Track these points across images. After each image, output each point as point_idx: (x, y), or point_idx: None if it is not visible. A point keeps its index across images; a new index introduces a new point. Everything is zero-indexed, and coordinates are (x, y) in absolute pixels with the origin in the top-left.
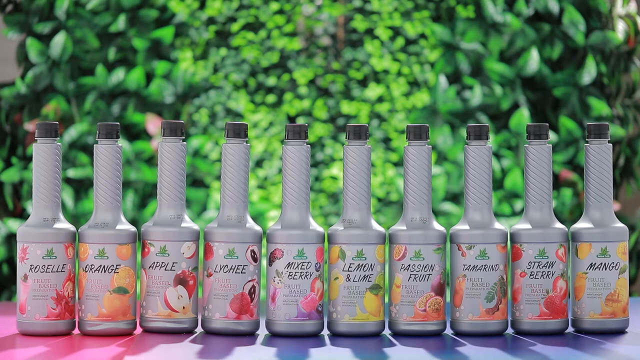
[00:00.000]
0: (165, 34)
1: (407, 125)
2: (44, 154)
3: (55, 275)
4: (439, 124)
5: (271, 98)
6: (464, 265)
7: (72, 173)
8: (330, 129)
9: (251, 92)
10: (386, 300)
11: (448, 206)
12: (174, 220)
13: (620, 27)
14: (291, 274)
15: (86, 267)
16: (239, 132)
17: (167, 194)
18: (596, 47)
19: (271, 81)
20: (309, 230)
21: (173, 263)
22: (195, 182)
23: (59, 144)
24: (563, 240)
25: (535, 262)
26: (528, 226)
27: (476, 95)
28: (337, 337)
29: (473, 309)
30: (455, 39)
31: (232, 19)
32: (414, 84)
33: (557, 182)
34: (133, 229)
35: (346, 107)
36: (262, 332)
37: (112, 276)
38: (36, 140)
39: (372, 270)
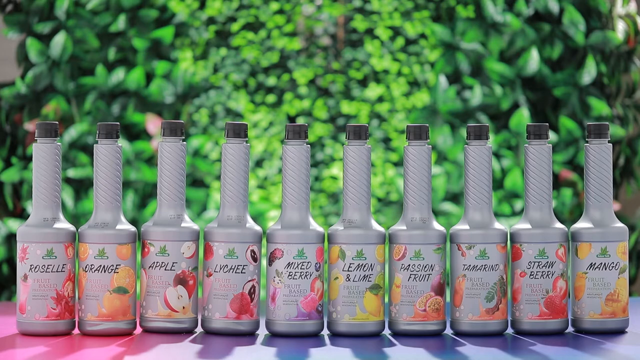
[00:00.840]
0: (165, 34)
1: (407, 125)
2: (44, 154)
3: (55, 275)
4: (439, 124)
5: (271, 98)
6: (464, 265)
7: (72, 173)
8: (330, 129)
9: (251, 92)
10: (386, 300)
11: (448, 206)
12: (174, 220)
13: (620, 27)
14: (291, 273)
15: (86, 267)
16: (239, 132)
17: (167, 194)
18: (596, 47)
19: (271, 81)
20: (309, 230)
21: (173, 263)
22: (195, 182)
23: (59, 144)
24: (563, 240)
25: (535, 262)
26: (528, 226)
27: (476, 95)
28: (337, 337)
29: (473, 309)
30: (455, 39)
31: (232, 19)
32: (414, 84)
33: (557, 182)
34: (133, 229)
35: (346, 107)
36: (262, 332)
37: (112, 276)
38: (36, 140)
39: (372, 270)
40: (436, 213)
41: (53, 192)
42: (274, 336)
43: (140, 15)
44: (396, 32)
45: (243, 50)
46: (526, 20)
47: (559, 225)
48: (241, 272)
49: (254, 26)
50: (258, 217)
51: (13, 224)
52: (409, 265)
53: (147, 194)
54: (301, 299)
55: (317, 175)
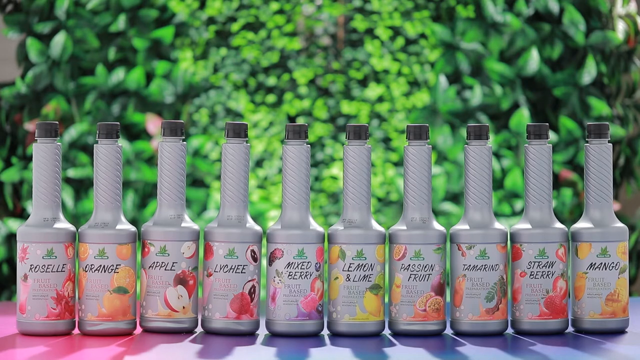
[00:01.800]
0: (165, 34)
1: (407, 125)
2: (44, 154)
3: (55, 275)
4: (439, 124)
5: (271, 98)
6: (464, 265)
7: (72, 173)
8: (330, 129)
9: (251, 92)
10: (386, 300)
11: (448, 206)
12: (174, 220)
13: (620, 27)
14: (291, 273)
15: (86, 267)
16: (239, 132)
17: (167, 194)
18: (596, 47)
19: (271, 81)
20: (309, 230)
21: (173, 263)
22: (195, 182)
23: (59, 144)
24: (563, 240)
25: (535, 262)
26: (528, 226)
27: (476, 95)
28: (337, 337)
29: (473, 309)
30: (455, 39)
31: (232, 19)
32: (414, 84)
33: (557, 182)
34: (133, 228)
35: (346, 107)
36: (262, 332)
37: (112, 276)
38: (36, 140)
39: (372, 270)
40: (436, 213)
41: (53, 192)
42: (274, 336)
43: (140, 15)
44: (396, 32)
45: (243, 50)
46: (526, 20)
47: (559, 225)
48: (241, 272)
49: (254, 26)
50: (258, 217)
51: (13, 224)
52: (409, 265)
53: (147, 194)
54: (301, 299)
55: (317, 175)
